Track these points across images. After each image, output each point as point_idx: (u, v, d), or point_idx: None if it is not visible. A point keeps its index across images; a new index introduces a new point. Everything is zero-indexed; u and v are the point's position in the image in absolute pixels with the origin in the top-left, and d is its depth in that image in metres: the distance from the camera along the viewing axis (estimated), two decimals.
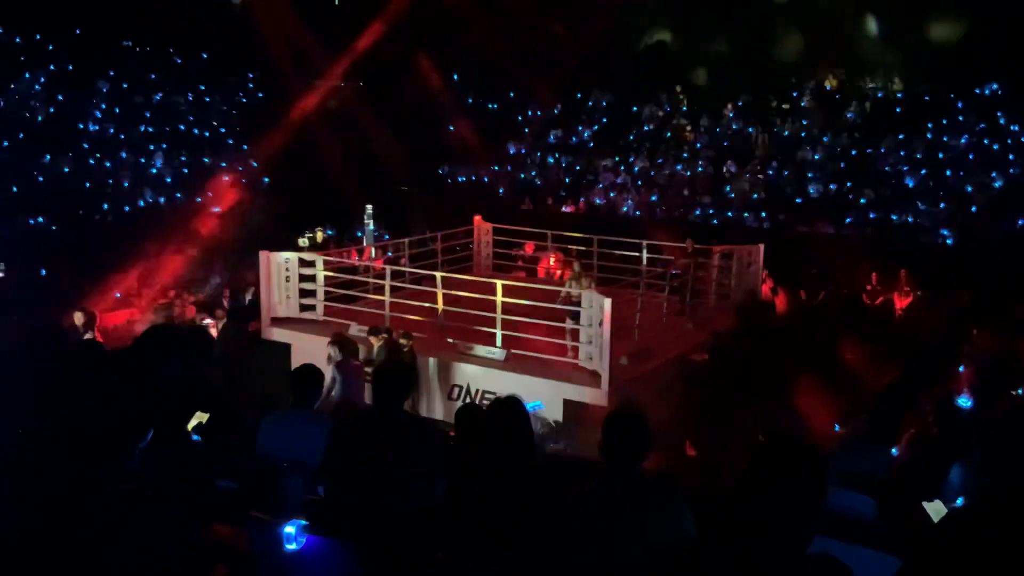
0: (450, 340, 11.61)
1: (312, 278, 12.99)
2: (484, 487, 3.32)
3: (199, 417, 4.79)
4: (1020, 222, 15.78)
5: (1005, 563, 2.31)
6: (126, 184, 17.00)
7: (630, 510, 3.35)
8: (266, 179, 18.45)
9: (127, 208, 16.75)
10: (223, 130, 19.74)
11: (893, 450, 8.61)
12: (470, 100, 21.96)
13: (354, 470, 4.01)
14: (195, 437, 4.42)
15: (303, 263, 13.06)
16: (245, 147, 19.38)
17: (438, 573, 2.98)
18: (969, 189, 16.88)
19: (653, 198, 19.12)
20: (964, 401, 10.14)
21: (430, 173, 21.10)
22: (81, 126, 17.56)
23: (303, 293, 13.01)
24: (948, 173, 17.39)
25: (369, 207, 17.83)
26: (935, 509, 3.76)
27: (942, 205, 16.77)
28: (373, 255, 16.39)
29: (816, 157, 18.80)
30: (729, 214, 18.22)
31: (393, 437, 4.07)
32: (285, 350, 12.27)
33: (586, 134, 21.55)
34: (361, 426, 4.44)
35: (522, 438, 3.42)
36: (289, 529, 3.11)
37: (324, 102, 20.13)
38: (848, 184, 17.91)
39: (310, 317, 12.85)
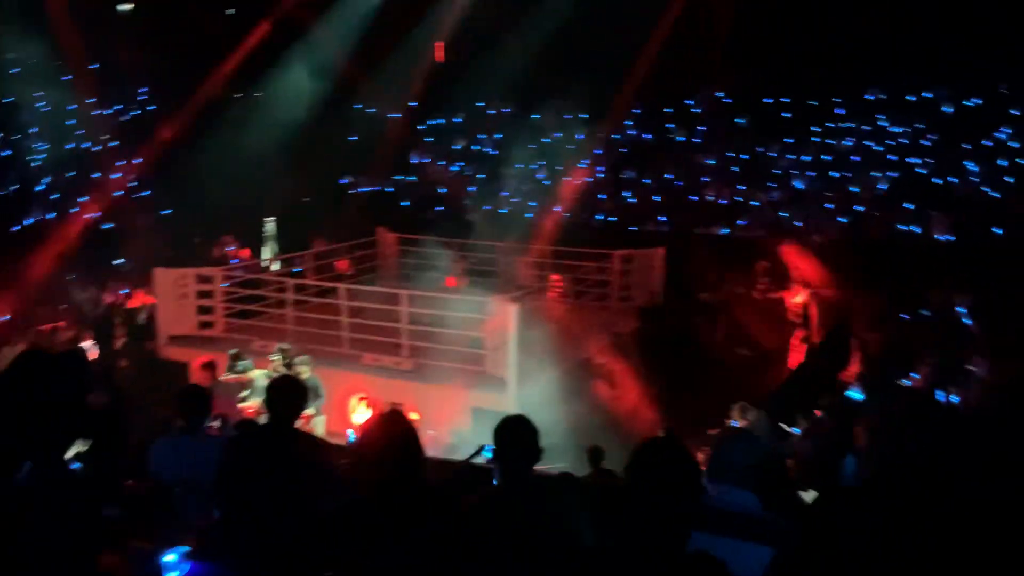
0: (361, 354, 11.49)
1: (210, 294, 12.68)
2: (377, 503, 3.30)
3: (81, 445, 4.59)
4: (902, 226, 16.55)
5: (865, 543, 2.41)
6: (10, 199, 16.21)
7: (524, 512, 3.38)
8: (147, 192, 17.79)
9: (15, 228, 15.99)
10: (113, 144, 19.01)
11: (782, 442, 8.94)
12: (371, 111, 21.75)
13: (243, 490, 3.92)
14: (75, 465, 4.24)
15: (200, 279, 12.74)
16: (138, 160, 18.71)
17: None
18: (855, 189, 17.66)
19: (556, 208, 19.35)
20: (856, 394, 10.59)
21: (331, 185, 20.81)
22: None
23: (201, 310, 12.70)
24: (835, 175, 18.16)
25: (269, 220, 17.47)
26: (812, 498, 3.89)
27: (829, 206, 17.49)
28: (275, 268, 16.09)
29: (711, 162, 19.37)
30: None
31: (283, 453, 4.00)
32: (183, 369, 11.91)
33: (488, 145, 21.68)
34: (252, 444, 4.35)
35: (408, 450, 3.41)
36: (169, 557, 3.01)
37: (220, 113, 19.60)
38: (741, 188, 18.51)
39: (209, 334, 12.53)
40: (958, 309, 12.18)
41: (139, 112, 20.21)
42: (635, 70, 19.13)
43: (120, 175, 18.34)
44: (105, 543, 3.54)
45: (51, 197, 17.03)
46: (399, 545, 3.21)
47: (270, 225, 17.34)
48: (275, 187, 17.68)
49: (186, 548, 3.06)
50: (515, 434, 3.52)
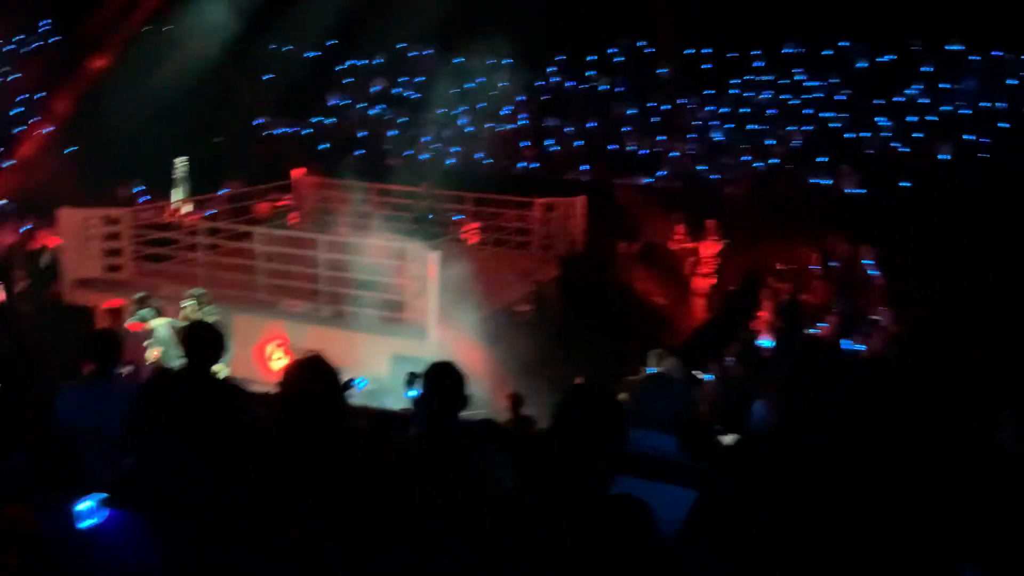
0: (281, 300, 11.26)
1: (118, 236, 12.24)
2: (298, 452, 3.26)
3: None
4: (814, 179, 17.00)
5: (784, 480, 2.49)
6: None
7: (447, 459, 3.39)
8: (50, 129, 16.93)
9: None
10: (13, 77, 17.99)
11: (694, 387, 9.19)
12: (288, 48, 21.05)
13: (161, 436, 3.82)
14: None
15: (108, 221, 12.27)
16: (40, 95, 17.76)
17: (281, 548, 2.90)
18: (770, 143, 18.04)
19: (477, 155, 19.24)
20: (765, 342, 10.95)
21: (246, 126, 20.16)
22: None
23: (109, 253, 12.25)
24: (751, 128, 18.49)
25: (181, 160, 16.85)
26: (731, 442, 4.02)
27: (745, 158, 17.83)
28: (185, 211, 15.57)
29: (631, 112, 19.48)
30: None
31: (202, 399, 3.91)
32: (90, 314, 11.49)
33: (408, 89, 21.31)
34: (168, 390, 4.23)
35: (331, 395, 3.38)
36: (83, 505, 2.92)
37: (130, 47, 18.67)
38: (661, 138, 18.69)
39: (117, 278, 12.10)
40: (864, 261, 12.63)
41: (41, 44, 19.15)
42: (559, 16, 18.90)
43: (22, 110, 17.43)
44: (9, 494, 3.41)
45: None
46: (324, 492, 3.19)
47: (181, 166, 16.71)
48: (187, 126, 17.03)
49: (101, 495, 2.96)
50: (443, 380, 3.52)
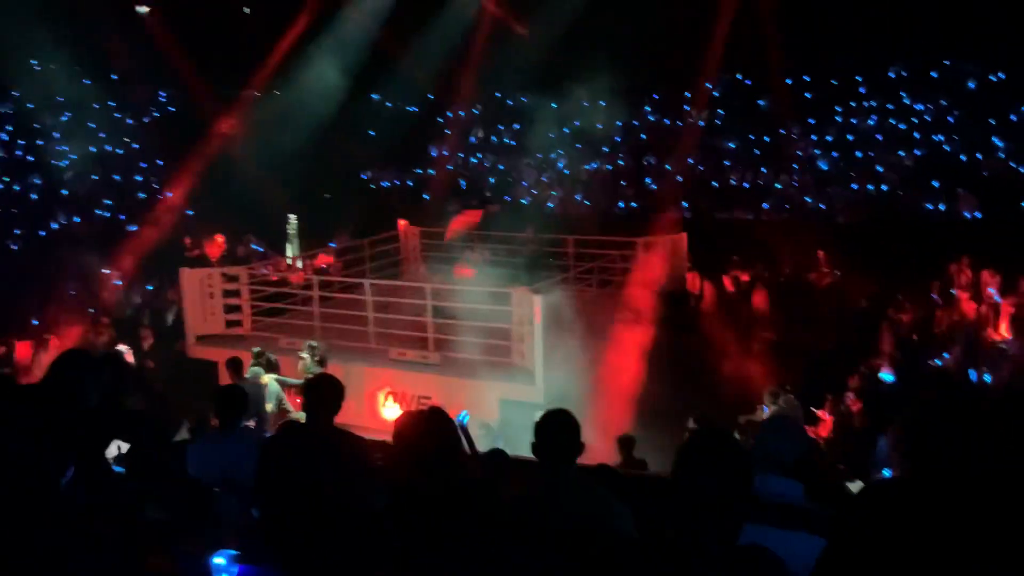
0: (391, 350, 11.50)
1: (237, 293, 12.78)
2: (417, 499, 3.30)
3: (121, 447, 4.63)
4: (930, 205, 16.33)
5: (919, 531, 2.38)
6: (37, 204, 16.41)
7: (565, 510, 3.37)
8: (170, 194, 17.89)
9: (42, 232, 16.17)
10: (136, 147, 19.19)
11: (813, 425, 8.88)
12: (389, 104, 21.74)
13: (285, 489, 3.94)
14: (117, 468, 4.28)
15: (226, 278, 12.84)
16: (161, 163, 18.86)
17: None
18: (880, 169, 17.44)
19: (577, 196, 19.32)
20: (887, 376, 10.52)
21: (354, 179, 20.86)
22: None
23: (228, 309, 12.80)
24: (859, 155, 17.94)
25: (292, 217, 17.55)
26: (857, 489, 3.87)
27: (854, 186, 17.28)
28: (300, 266, 16.16)
29: (731, 145, 19.21)
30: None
31: (324, 452, 4.01)
32: (213, 368, 12.00)
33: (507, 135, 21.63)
34: (292, 442, 4.37)
35: (448, 446, 3.41)
36: (219, 560, 3.03)
37: (242, 114, 19.66)
38: (763, 170, 18.34)
39: (237, 333, 12.61)
40: (989, 289, 12.04)
41: (159, 115, 20.37)
42: (655, 53, 18.86)
43: (143, 179, 18.51)
44: (151, 545, 3.57)
45: (76, 201, 17.21)
46: (444, 541, 3.21)
47: (293, 222, 17.42)
48: (298, 185, 17.74)
49: (234, 551, 3.07)
50: (557, 429, 3.51)
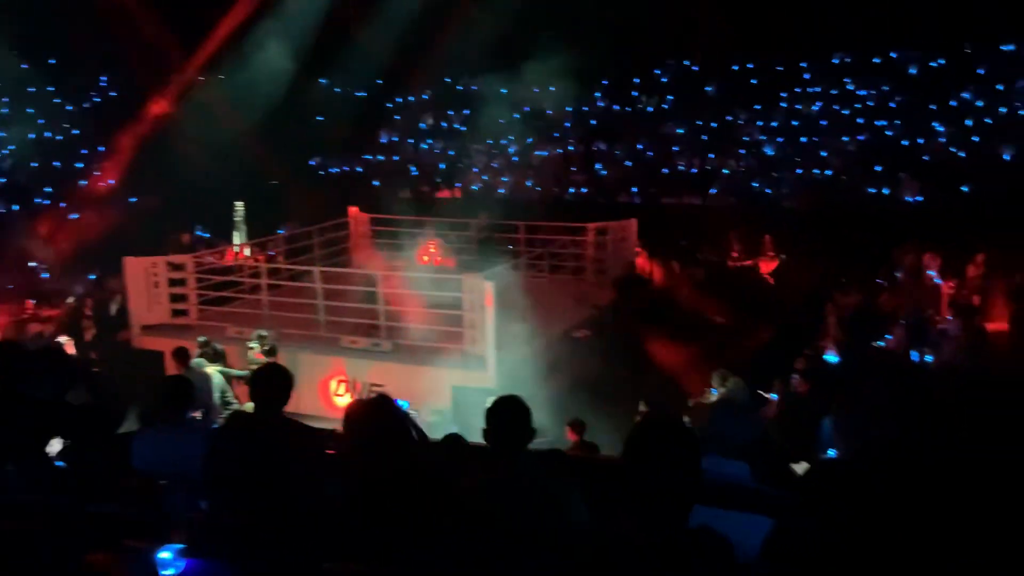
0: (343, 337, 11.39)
1: (182, 282, 12.54)
2: (369, 487, 3.28)
3: (63, 442, 4.52)
4: (872, 189, 16.66)
5: (863, 511, 2.43)
6: None
7: (517, 496, 3.37)
8: (111, 181, 17.47)
9: None
10: (75, 132, 18.67)
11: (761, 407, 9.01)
12: (337, 89, 21.46)
13: (233, 481, 3.88)
14: (58, 463, 4.17)
15: (172, 267, 12.59)
16: (101, 148, 18.38)
17: None
18: (824, 154, 17.75)
19: (528, 182, 19.32)
20: (831, 357, 10.71)
21: (302, 166, 20.59)
22: None
23: (174, 298, 12.56)
24: (803, 140, 18.23)
25: (239, 204, 17.26)
26: (803, 469, 3.94)
27: (799, 171, 17.57)
28: (247, 253, 15.91)
29: (680, 131, 19.38)
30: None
31: (273, 443, 3.96)
32: (159, 359, 11.77)
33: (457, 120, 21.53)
34: (240, 433, 4.30)
35: (397, 433, 3.40)
36: (164, 554, 2.97)
37: (183, 98, 19.24)
38: (711, 156, 18.54)
39: (183, 323, 12.39)
40: (929, 272, 12.33)
41: (99, 100, 19.86)
42: (602, 41, 18.90)
43: (83, 164, 18.05)
44: (95, 541, 3.49)
45: (14, 188, 16.74)
46: (397, 531, 3.19)
47: (239, 209, 17.13)
48: (244, 171, 17.45)
49: (180, 545, 3.01)
50: (509, 415, 3.51)
